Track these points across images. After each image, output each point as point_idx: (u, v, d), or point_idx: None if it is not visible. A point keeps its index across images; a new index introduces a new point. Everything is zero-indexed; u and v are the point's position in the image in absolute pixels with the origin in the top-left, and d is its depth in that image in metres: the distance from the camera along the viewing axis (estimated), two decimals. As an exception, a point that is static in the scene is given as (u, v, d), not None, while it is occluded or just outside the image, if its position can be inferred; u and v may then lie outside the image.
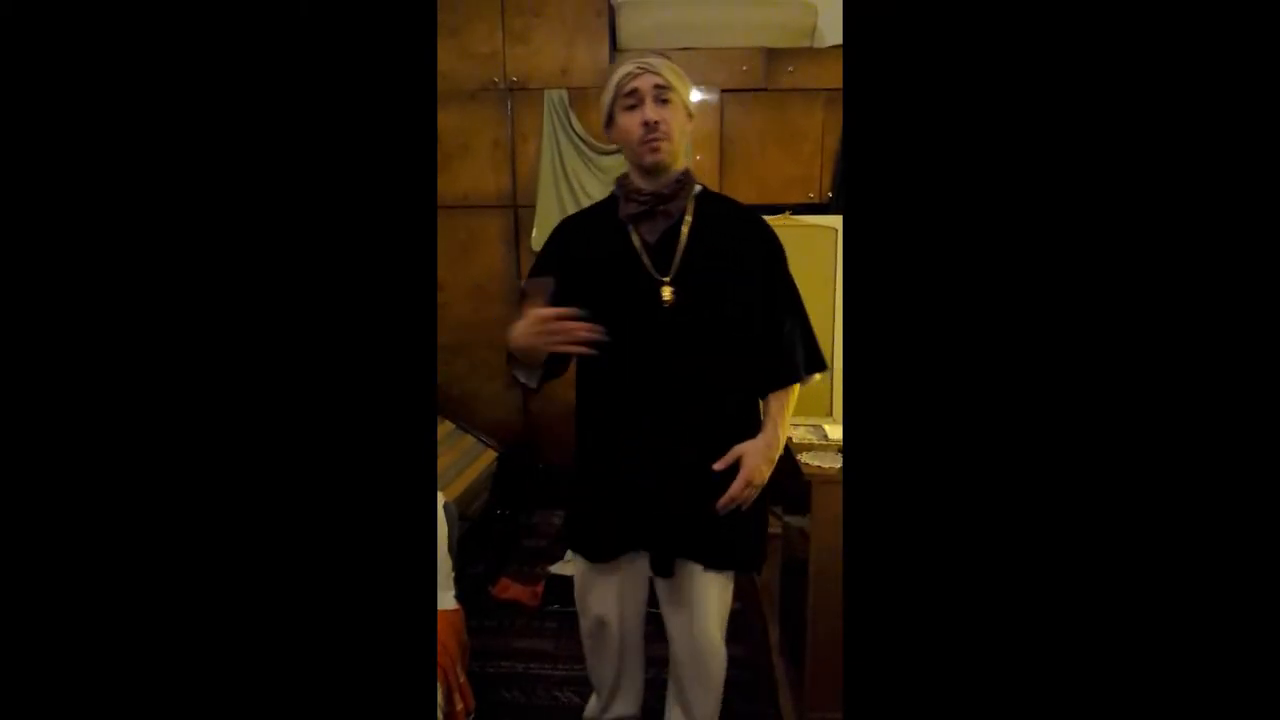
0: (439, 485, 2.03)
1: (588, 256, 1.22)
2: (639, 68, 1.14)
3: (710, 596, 1.28)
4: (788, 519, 1.87)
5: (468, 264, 2.81)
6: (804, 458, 1.55)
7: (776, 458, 1.20)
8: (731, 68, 2.66)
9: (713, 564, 1.26)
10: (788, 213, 2.00)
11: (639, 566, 1.31)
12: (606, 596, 1.34)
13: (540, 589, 2.25)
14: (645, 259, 1.18)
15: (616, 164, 2.70)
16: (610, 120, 1.20)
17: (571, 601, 2.09)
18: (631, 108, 1.15)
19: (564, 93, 2.67)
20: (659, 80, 1.14)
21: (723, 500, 1.17)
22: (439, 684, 1.42)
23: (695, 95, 2.68)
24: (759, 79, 2.66)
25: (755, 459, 1.18)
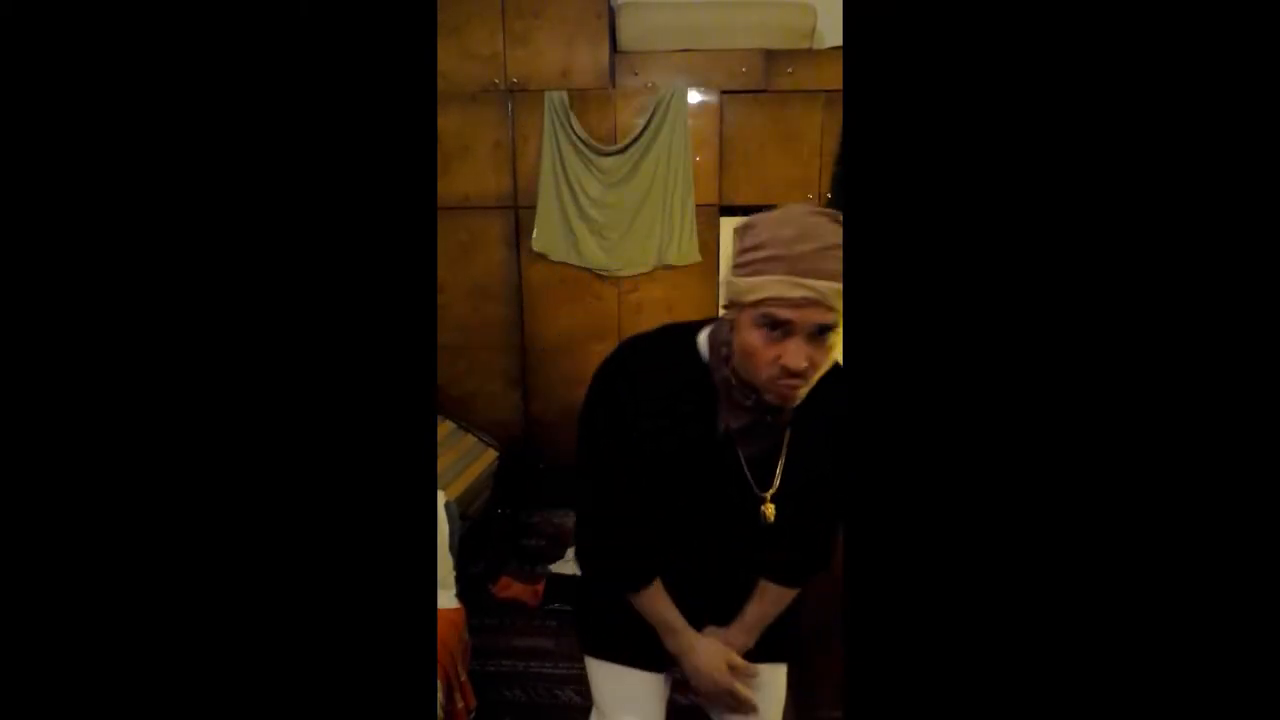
0: (440, 485, 2.03)
1: (674, 450, 0.95)
2: (805, 297, 0.78)
3: (773, 695, 1.12)
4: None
5: (468, 265, 2.82)
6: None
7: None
8: (731, 69, 2.66)
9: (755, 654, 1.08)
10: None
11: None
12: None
13: (541, 588, 2.25)
14: (748, 472, 0.96)
15: (616, 165, 2.70)
16: (731, 304, 0.85)
17: (571, 600, 2.11)
18: (771, 328, 0.81)
19: (564, 94, 2.67)
20: (825, 319, 0.79)
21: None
22: (440, 682, 1.42)
23: (694, 97, 2.69)
24: (758, 80, 2.66)
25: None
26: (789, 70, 2.65)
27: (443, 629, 1.48)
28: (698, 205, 2.73)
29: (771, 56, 2.65)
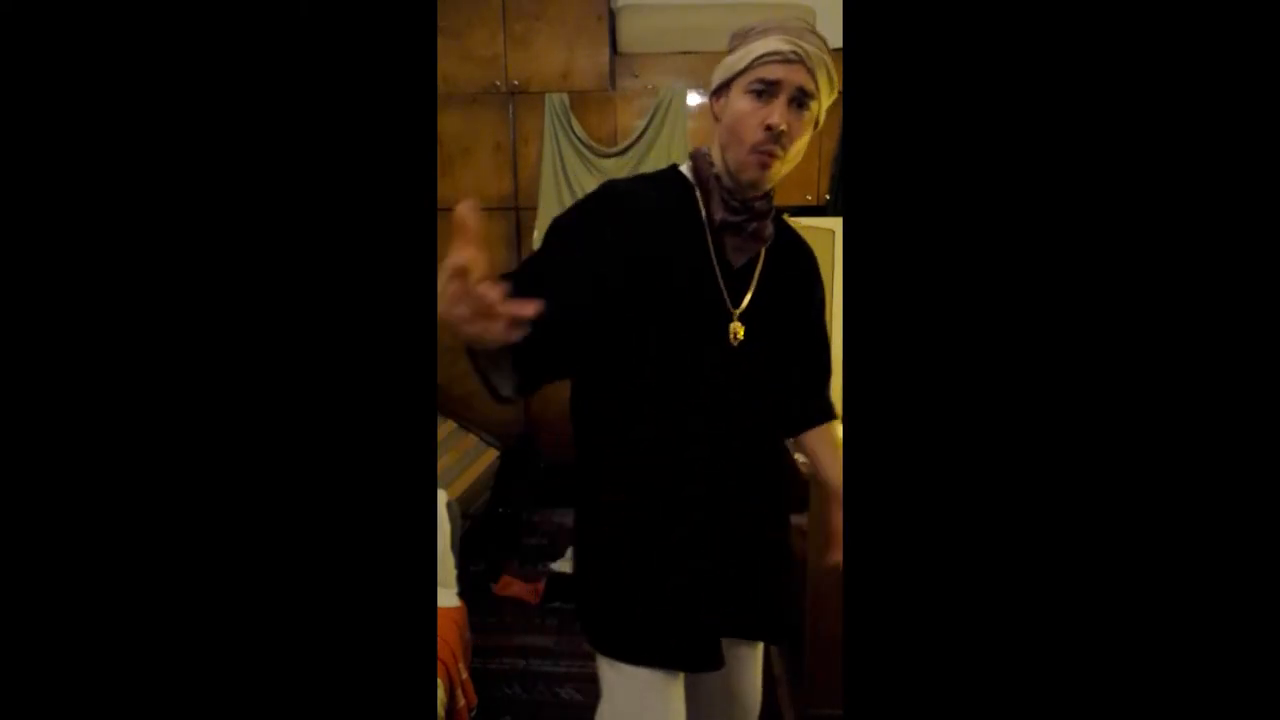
0: (441, 484, 2.03)
1: (652, 259, 0.92)
2: (794, 53, 0.87)
3: (755, 672, 1.09)
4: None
5: (469, 265, 2.82)
6: (802, 457, 1.55)
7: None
8: (731, 70, 2.65)
9: (763, 635, 1.06)
10: (785, 215, 2.00)
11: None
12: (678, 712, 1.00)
13: (541, 586, 2.25)
14: (722, 284, 0.94)
15: (617, 167, 2.71)
16: (722, 90, 0.93)
17: (572, 598, 2.09)
18: (759, 94, 0.88)
19: (565, 96, 2.68)
20: (807, 83, 0.88)
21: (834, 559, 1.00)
22: (441, 681, 1.42)
23: (694, 98, 2.69)
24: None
25: (838, 517, 1.00)
26: (789, 71, 2.64)
27: (444, 627, 1.49)
28: (698, 206, 2.72)
29: (771, 57, 2.64)
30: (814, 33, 0.90)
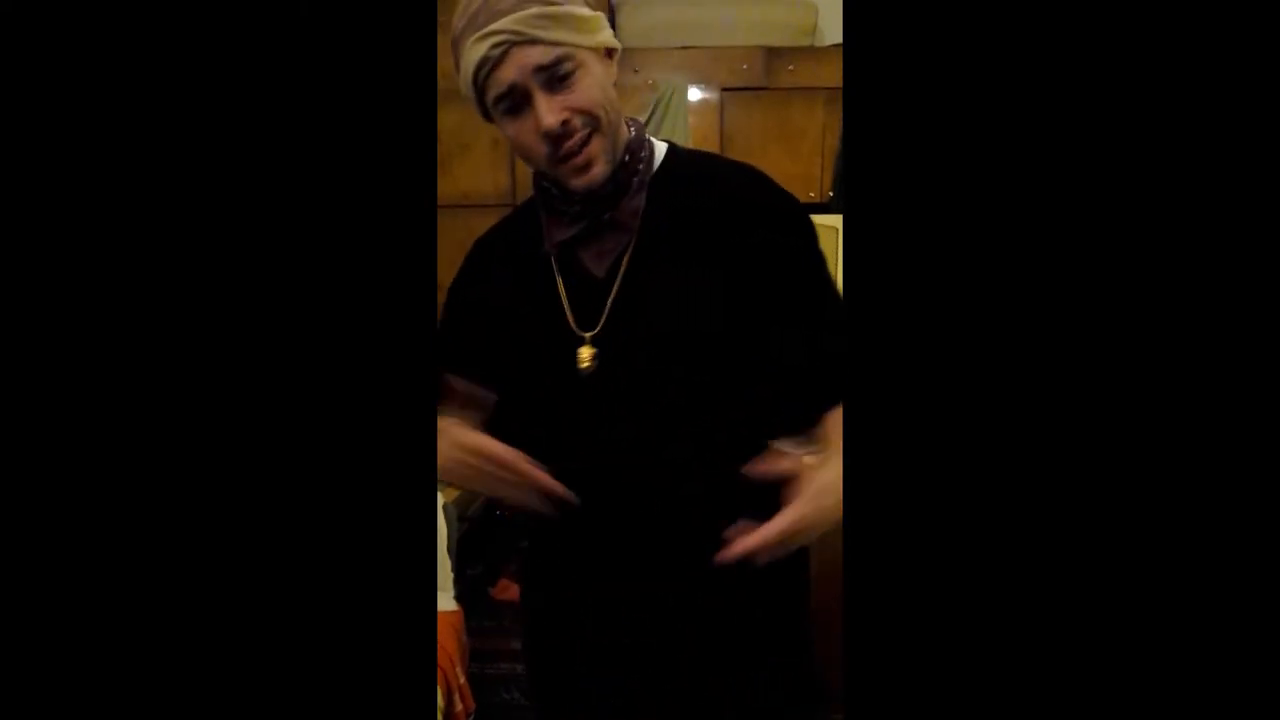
0: (439, 487, 2.03)
1: (498, 304, 0.83)
2: (494, 45, 0.67)
3: None
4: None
5: (468, 263, 2.82)
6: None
7: (839, 511, 0.67)
8: (732, 66, 2.66)
9: None
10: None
11: None
12: None
13: (540, 589, 2.25)
14: (565, 304, 0.78)
15: (616, 163, 2.70)
16: (488, 118, 0.77)
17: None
18: (512, 110, 0.72)
19: (564, 92, 2.67)
20: (539, 58, 0.68)
21: (728, 551, 0.68)
22: (439, 685, 1.42)
23: (695, 94, 2.69)
24: (759, 78, 2.66)
25: (812, 501, 0.68)
26: (790, 68, 2.64)
27: (442, 631, 1.49)
28: (698, 203, 2.73)
29: (772, 54, 2.64)
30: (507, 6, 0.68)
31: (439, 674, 1.40)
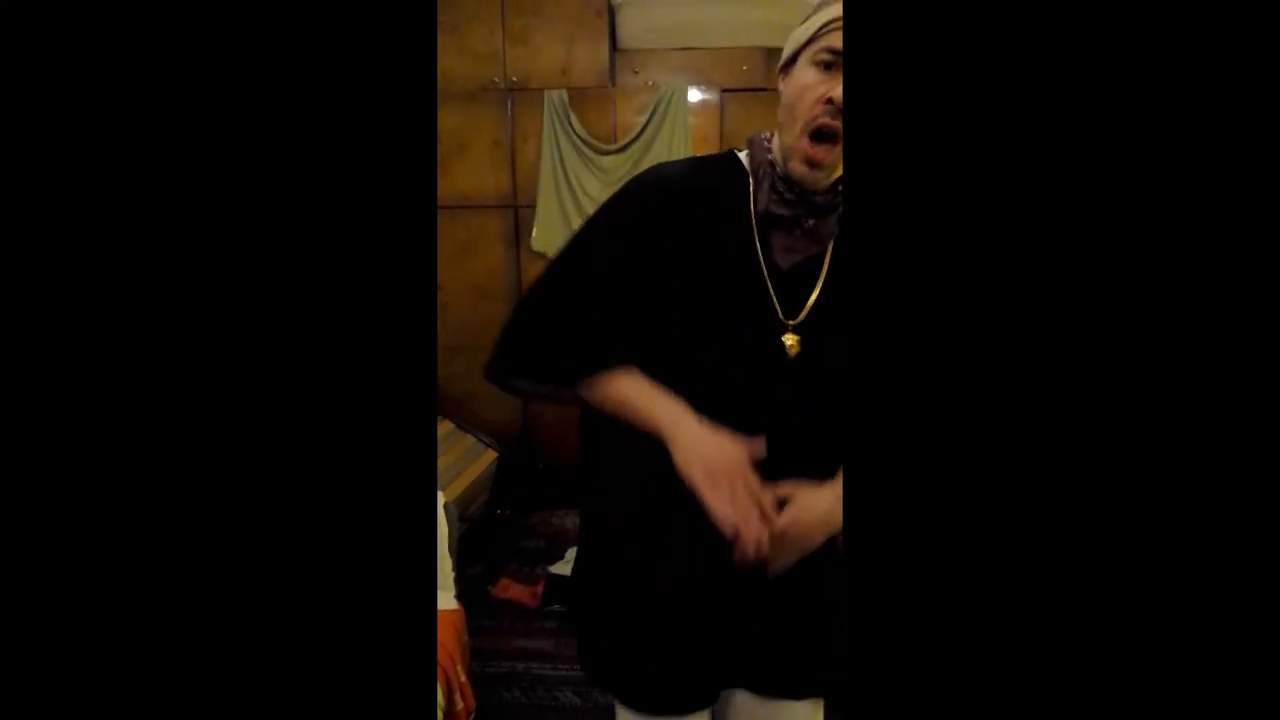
0: (439, 485, 2.03)
1: (690, 256, 0.83)
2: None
3: None
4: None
5: (468, 264, 2.82)
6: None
7: (834, 528, 0.82)
8: (731, 67, 2.66)
9: (781, 690, 0.91)
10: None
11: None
12: None
13: (540, 589, 2.25)
14: (771, 291, 0.82)
15: (616, 164, 2.70)
16: (789, 65, 0.81)
17: (571, 601, 2.09)
18: (826, 65, 0.76)
19: (564, 93, 2.67)
20: None
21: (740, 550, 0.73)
22: (440, 684, 1.42)
23: (694, 95, 2.69)
24: (759, 79, 2.66)
25: (814, 510, 0.78)
26: (789, 69, 2.65)
27: (442, 630, 1.48)
28: (698, 204, 2.73)
29: (772, 54, 2.65)
30: None
31: (440, 672, 1.40)
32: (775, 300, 0.82)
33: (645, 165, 2.65)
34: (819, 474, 0.80)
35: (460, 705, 1.50)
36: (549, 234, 2.77)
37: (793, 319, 0.82)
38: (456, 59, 2.68)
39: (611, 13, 2.70)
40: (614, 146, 2.70)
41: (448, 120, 2.72)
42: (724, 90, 2.68)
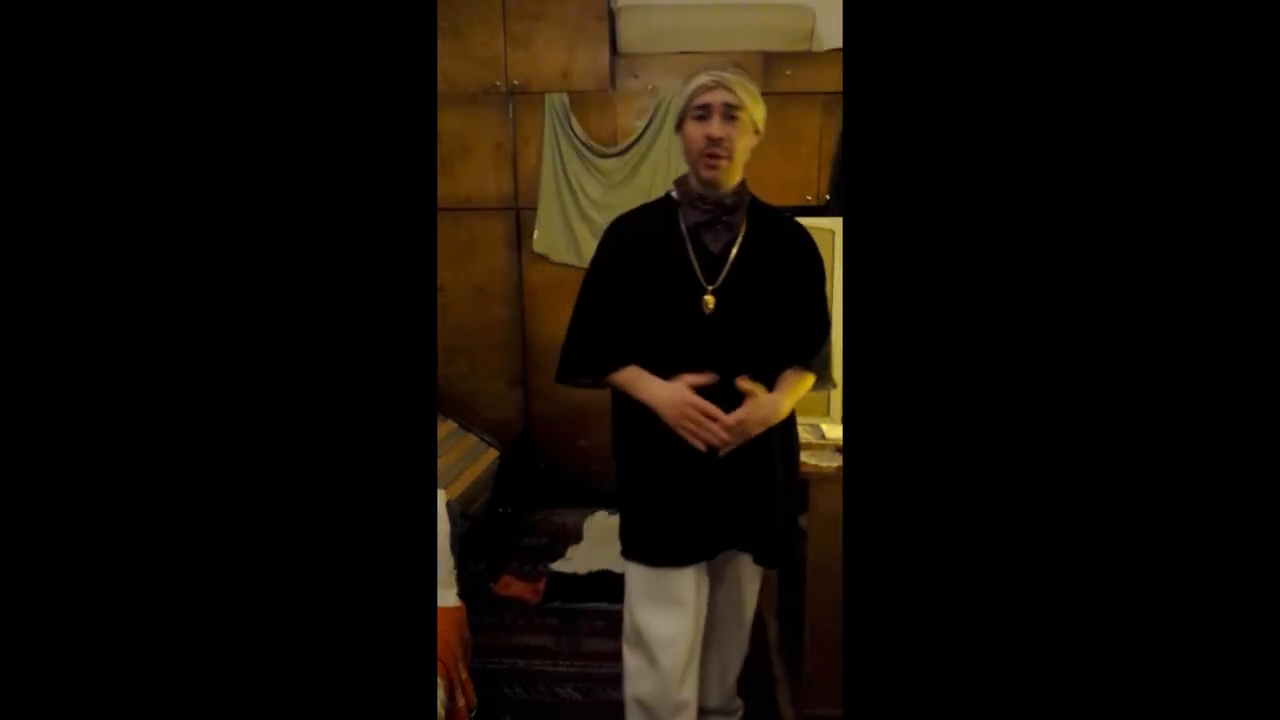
0: (441, 484, 2.03)
1: (642, 261, 1.28)
2: (713, 81, 1.20)
3: (754, 582, 1.44)
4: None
5: (469, 265, 2.82)
6: (801, 456, 1.56)
7: (770, 421, 1.26)
8: (731, 71, 2.65)
9: (764, 560, 1.38)
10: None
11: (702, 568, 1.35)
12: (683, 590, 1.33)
13: (542, 586, 2.26)
14: (696, 267, 1.26)
15: (617, 167, 2.71)
16: (680, 125, 1.27)
17: (572, 598, 2.12)
18: (700, 118, 1.20)
19: (565, 96, 2.68)
20: (730, 99, 1.19)
21: (723, 424, 1.21)
22: (441, 680, 1.43)
23: (695, 98, 2.68)
24: (757, 82, 2.63)
25: (759, 410, 1.23)
26: (788, 72, 2.65)
27: (444, 627, 1.49)
28: (698, 206, 2.72)
29: (770, 58, 2.65)
30: (735, 65, 1.27)
31: (442, 669, 1.41)
32: (699, 273, 1.25)
33: (645, 168, 2.69)
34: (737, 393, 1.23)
35: (461, 702, 1.51)
36: (550, 236, 2.77)
37: (712, 284, 1.24)
38: (459, 63, 2.69)
39: (612, 17, 2.71)
40: (615, 149, 2.70)
41: (450, 123, 2.73)
42: (724, 93, 2.67)
